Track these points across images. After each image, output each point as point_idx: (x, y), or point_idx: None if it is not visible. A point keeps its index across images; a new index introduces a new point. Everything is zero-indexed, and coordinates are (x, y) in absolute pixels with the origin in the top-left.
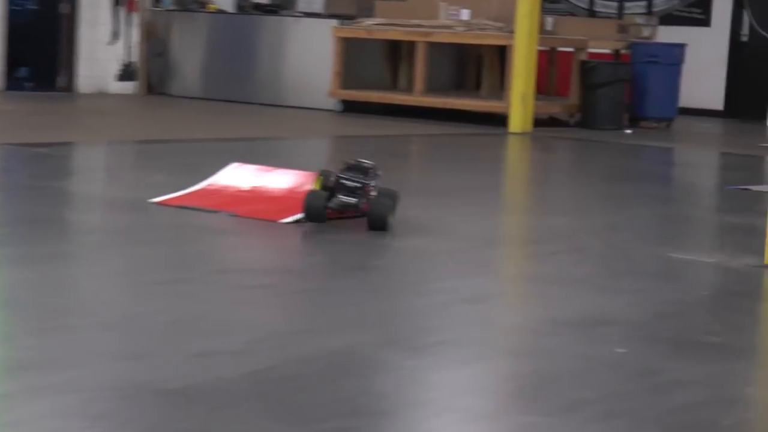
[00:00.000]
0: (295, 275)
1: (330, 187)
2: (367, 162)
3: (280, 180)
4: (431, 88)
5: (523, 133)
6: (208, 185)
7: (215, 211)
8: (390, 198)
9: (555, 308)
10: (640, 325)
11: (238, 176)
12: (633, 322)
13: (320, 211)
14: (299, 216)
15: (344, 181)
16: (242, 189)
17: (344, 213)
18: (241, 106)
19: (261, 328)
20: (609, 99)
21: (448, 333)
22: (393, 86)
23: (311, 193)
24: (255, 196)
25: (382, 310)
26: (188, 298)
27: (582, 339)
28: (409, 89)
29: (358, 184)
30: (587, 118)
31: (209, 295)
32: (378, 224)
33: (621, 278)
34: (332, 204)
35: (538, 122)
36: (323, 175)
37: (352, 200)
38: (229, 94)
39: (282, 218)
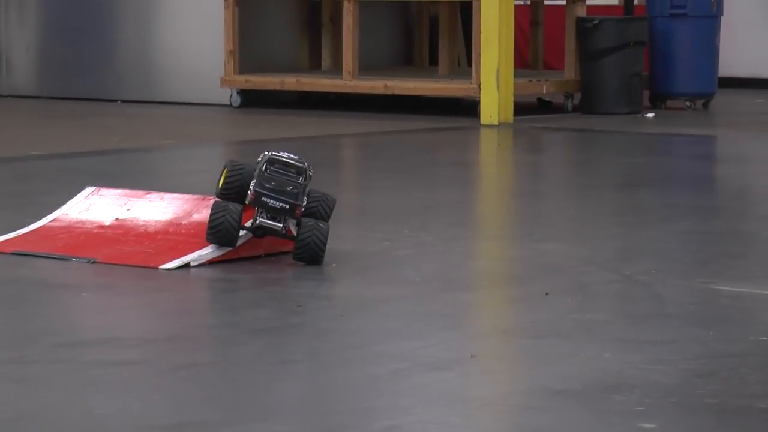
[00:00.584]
0: (181, 345)
1: (234, 192)
2: (294, 158)
3: (157, 209)
4: (367, 67)
5: (500, 125)
6: (54, 221)
7: (65, 257)
8: (326, 213)
9: (550, 372)
10: (671, 389)
11: (96, 206)
12: (662, 385)
13: (232, 234)
14: (189, 258)
15: (266, 200)
16: (103, 224)
17: (259, 241)
18: (95, 105)
19: (130, 425)
20: (619, 71)
21: (403, 415)
22: (312, 67)
23: (220, 206)
24: (122, 233)
25: (306, 389)
26: (26, 386)
27: (590, 413)
28: (335, 70)
29: (285, 205)
30: (590, 99)
31: (57, 380)
32: (311, 257)
33: (643, 324)
34: (247, 226)
35: (522, 108)
36: (233, 171)
37: (275, 225)
38: (77, 90)
39: (162, 263)
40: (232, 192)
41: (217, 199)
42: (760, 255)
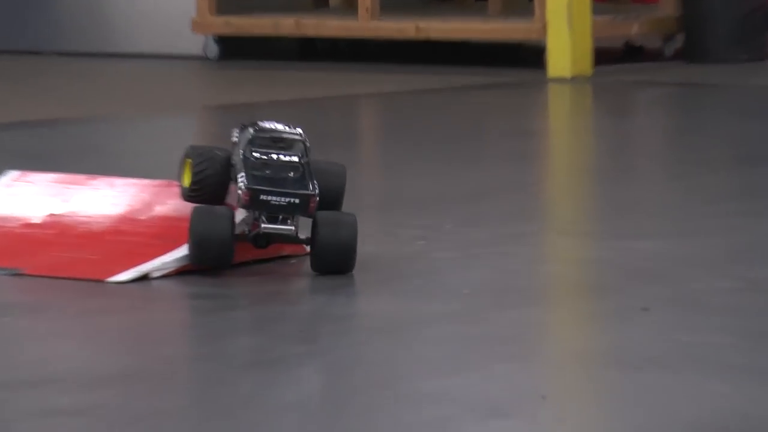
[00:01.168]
0: (142, 386)
1: (209, 190)
2: (280, 128)
3: (105, 200)
4: (391, 4)
5: (574, 80)
6: None
7: None
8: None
9: (649, 417)
10: None
11: (21, 197)
12: None
13: (226, 249)
14: (149, 267)
15: (267, 197)
16: (31, 222)
17: (266, 250)
18: (25, 60)
19: None
20: (735, 4)
21: None
22: (317, 4)
23: (202, 212)
24: (57, 234)
25: None
26: None
27: None
28: (348, 9)
29: (294, 199)
30: (696, 42)
31: None
32: (340, 264)
33: None
34: (248, 235)
35: (604, 56)
36: (200, 160)
37: (287, 230)
38: (2, 41)
39: (112, 274)
40: (205, 191)
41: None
42: None
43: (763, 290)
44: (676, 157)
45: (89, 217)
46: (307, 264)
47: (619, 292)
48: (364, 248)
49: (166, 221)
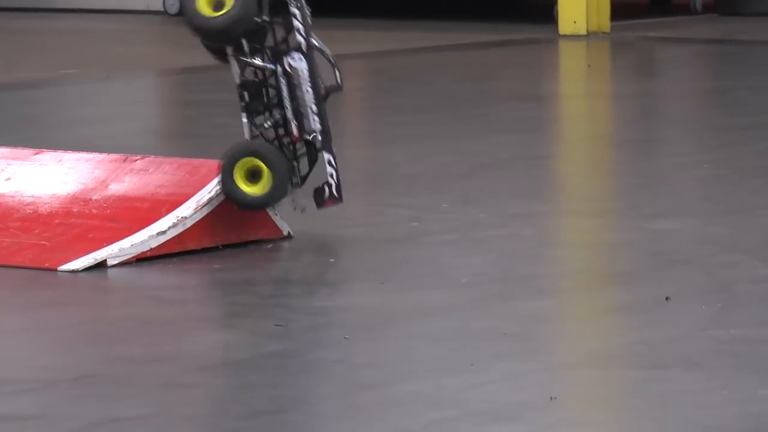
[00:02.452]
0: (96, 389)
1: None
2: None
3: (53, 178)
4: None
5: (590, 36)
6: None
7: None
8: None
9: (677, 422)
10: None
11: None
12: None
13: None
14: (105, 253)
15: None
16: None
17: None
18: None
19: None
20: None
21: None
22: None
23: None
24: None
25: None
26: None
27: None
28: None
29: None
30: None
31: None
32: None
33: None
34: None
35: (625, 9)
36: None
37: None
38: None
39: (63, 262)
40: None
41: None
42: None
43: None
44: (708, 124)
45: (35, 197)
46: (285, 249)
47: (642, 281)
48: (349, 231)
49: (123, 201)
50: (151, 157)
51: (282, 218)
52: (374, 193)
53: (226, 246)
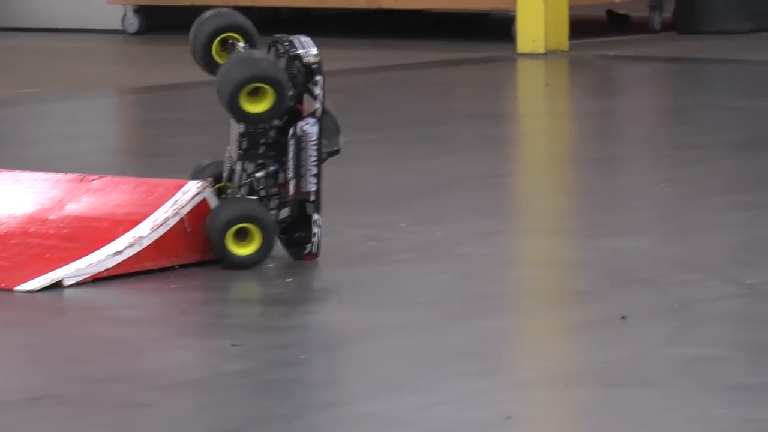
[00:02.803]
0: (52, 410)
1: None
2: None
3: (10, 198)
4: None
5: (549, 54)
6: None
7: None
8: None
9: None
10: None
11: None
12: None
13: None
14: (62, 273)
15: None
16: None
17: (172, 246)
18: None
19: None
20: None
21: None
22: None
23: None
24: None
25: None
26: None
27: None
28: None
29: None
30: (689, 10)
31: None
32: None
33: None
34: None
35: (582, 28)
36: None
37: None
38: None
39: (19, 282)
40: None
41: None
42: None
43: (766, 297)
44: (667, 143)
45: None
46: (239, 270)
47: (600, 300)
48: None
49: (80, 221)
50: (109, 177)
51: None
52: (333, 212)
53: (183, 266)
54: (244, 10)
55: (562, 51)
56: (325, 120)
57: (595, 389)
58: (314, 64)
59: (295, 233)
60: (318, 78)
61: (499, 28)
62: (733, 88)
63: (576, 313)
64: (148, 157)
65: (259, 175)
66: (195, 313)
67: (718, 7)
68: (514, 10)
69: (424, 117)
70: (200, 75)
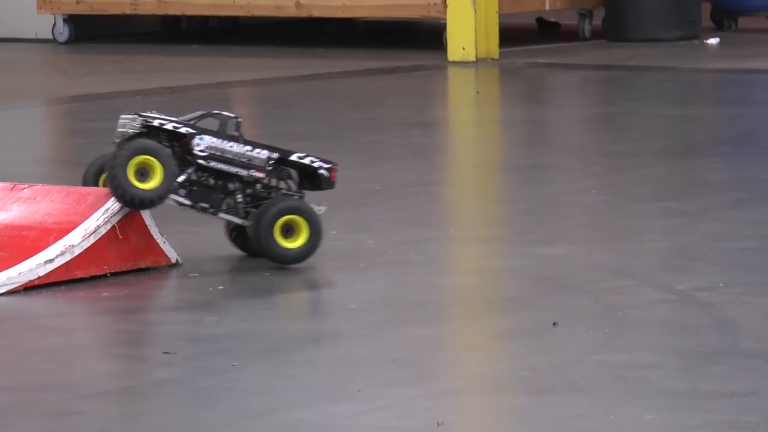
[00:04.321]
0: None
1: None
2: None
3: None
4: None
5: (479, 62)
6: None
7: None
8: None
9: None
10: None
11: None
12: None
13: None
14: None
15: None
16: None
17: (103, 254)
18: None
19: None
20: None
21: None
22: None
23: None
24: None
25: None
26: None
27: None
28: None
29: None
30: (619, 18)
31: None
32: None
33: (706, 368)
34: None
35: (513, 37)
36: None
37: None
38: None
39: None
40: None
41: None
42: None
43: (696, 302)
44: (596, 150)
45: None
46: (173, 277)
47: (530, 307)
48: (237, 258)
49: (11, 230)
50: (39, 186)
51: (170, 245)
52: None
53: (114, 273)
54: (172, 20)
55: (493, 59)
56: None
57: (526, 396)
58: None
59: None
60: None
61: (429, 37)
62: (662, 95)
63: (506, 320)
64: (78, 167)
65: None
66: (126, 321)
67: (647, 15)
68: (445, 19)
69: (354, 126)
70: (129, 84)
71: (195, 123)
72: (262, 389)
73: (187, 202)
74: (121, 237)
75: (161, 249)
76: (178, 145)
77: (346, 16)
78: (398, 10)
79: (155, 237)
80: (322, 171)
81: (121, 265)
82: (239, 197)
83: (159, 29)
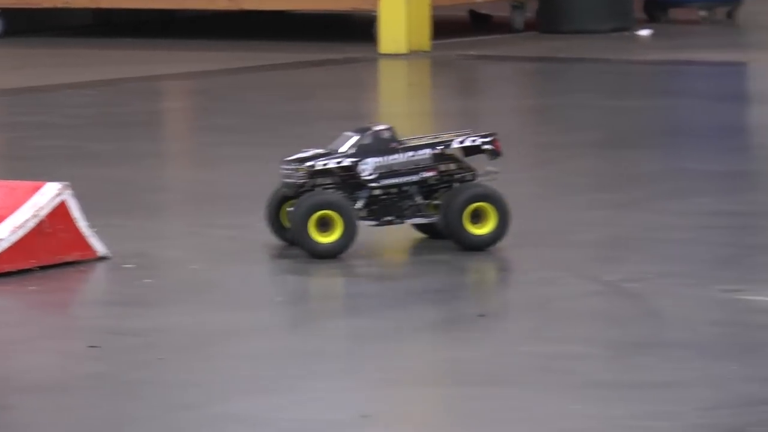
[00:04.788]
0: None
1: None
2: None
3: None
4: None
5: (412, 55)
6: None
7: None
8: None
9: None
10: None
11: None
12: None
13: None
14: None
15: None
16: None
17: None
18: None
19: None
20: None
21: None
22: None
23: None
24: None
25: None
26: None
27: None
28: None
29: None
30: (552, 10)
31: None
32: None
33: (633, 358)
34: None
35: (445, 29)
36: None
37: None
38: None
39: None
40: None
41: None
42: None
43: (627, 294)
44: (529, 142)
45: None
46: (100, 270)
47: (457, 298)
48: (165, 252)
49: None
50: None
51: (98, 239)
52: (193, 213)
53: (42, 267)
54: (103, 13)
55: (425, 51)
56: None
57: (453, 387)
58: None
59: None
60: None
61: (361, 29)
62: (594, 87)
63: (436, 311)
64: (9, 161)
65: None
66: (53, 315)
67: (580, 7)
68: (376, 11)
69: (285, 118)
70: (62, 77)
71: (355, 149)
72: (188, 382)
73: (372, 222)
74: (49, 231)
75: (89, 243)
76: (347, 175)
77: (278, 8)
78: (331, 3)
79: (83, 231)
80: (486, 146)
81: (48, 258)
82: (418, 199)
83: (91, 22)
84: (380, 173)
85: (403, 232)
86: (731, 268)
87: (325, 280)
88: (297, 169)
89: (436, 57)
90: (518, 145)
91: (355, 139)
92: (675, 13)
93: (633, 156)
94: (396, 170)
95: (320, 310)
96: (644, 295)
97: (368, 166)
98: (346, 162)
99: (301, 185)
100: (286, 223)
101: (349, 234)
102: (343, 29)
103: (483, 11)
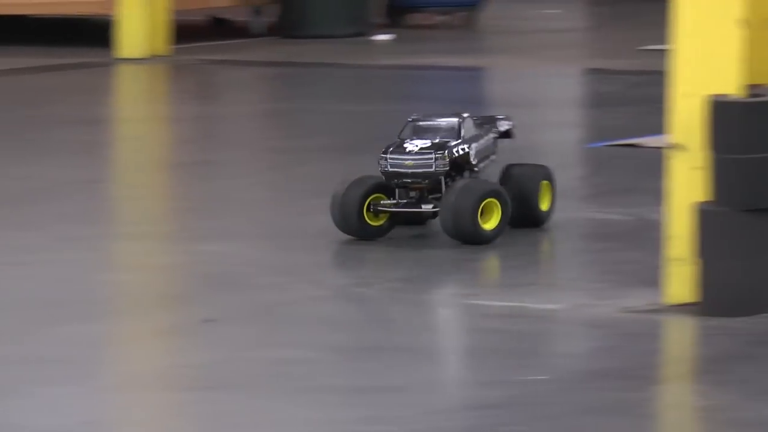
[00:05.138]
0: None
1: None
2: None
3: None
4: None
5: (150, 60)
6: None
7: None
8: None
9: None
10: None
11: None
12: None
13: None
14: None
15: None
16: None
17: None
18: None
19: None
20: None
21: None
22: None
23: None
24: None
25: None
26: None
27: None
28: None
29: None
30: (291, 15)
31: None
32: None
33: (361, 362)
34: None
35: (185, 33)
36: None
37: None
38: None
39: None
40: None
41: None
42: (539, 253)
43: (353, 298)
44: (263, 146)
45: None
46: None
47: (189, 303)
48: None
49: None
50: None
51: None
52: None
53: None
54: None
55: (163, 56)
56: None
57: (183, 392)
58: None
59: None
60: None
61: (100, 33)
62: (331, 92)
63: (165, 316)
64: None
65: None
66: None
67: (318, 12)
68: (113, 15)
69: (17, 123)
70: None
71: (463, 135)
72: None
73: None
74: None
75: None
76: (462, 161)
77: (14, 13)
78: (68, 7)
79: None
80: (513, 130)
81: None
82: None
83: None
84: (480, 158)
85: (138, 241)
86: (462, 272)
87: (55, 286)
88: (441, 157)
89: (175, 61)
90: (252, 149)
91: (457, 124)
92: (414, 17)
93: (362, 161)
94: (485, 155)
95: (50, 316)
96: (372, 299)
97: (473, 151)
98: (467, 148)
99: (445, 173)
100: (372, 220)
101: (505, 221)
102: (84, 34)
103: (223, 16)
